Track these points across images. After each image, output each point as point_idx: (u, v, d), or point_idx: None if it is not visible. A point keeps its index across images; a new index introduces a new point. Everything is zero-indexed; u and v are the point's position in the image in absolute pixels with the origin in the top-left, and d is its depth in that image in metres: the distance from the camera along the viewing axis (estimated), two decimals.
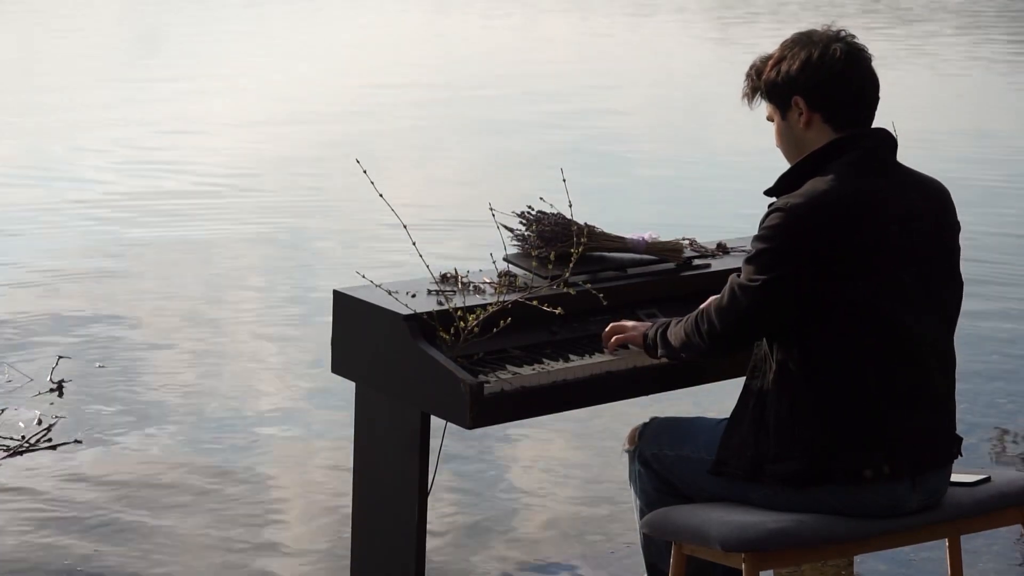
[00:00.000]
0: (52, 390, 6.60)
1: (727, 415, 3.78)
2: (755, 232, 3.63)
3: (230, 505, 5.41)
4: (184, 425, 6.24)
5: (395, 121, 14.93)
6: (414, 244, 4.10)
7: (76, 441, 5.98)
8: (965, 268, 3.77)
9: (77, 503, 5.39)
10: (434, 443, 4.01)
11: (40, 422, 6.17)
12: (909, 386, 3.62)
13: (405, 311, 3.86)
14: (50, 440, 5.97)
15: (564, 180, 4.13)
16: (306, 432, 6.20)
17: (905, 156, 3.73)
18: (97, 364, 6.99)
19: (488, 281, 4.14)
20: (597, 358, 3.96)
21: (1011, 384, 6.90)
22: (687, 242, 4.49)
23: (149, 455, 5.91)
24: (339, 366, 4.16)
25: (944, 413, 3.71)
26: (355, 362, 4.10)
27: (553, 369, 3.88)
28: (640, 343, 3.91)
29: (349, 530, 4.29)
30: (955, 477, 3.80)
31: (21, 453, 5.83)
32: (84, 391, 6.61)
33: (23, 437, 5.96)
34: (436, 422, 3.96)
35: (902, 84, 16.67)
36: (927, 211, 3.66)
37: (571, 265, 4.01)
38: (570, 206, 4.19)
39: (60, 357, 6.96)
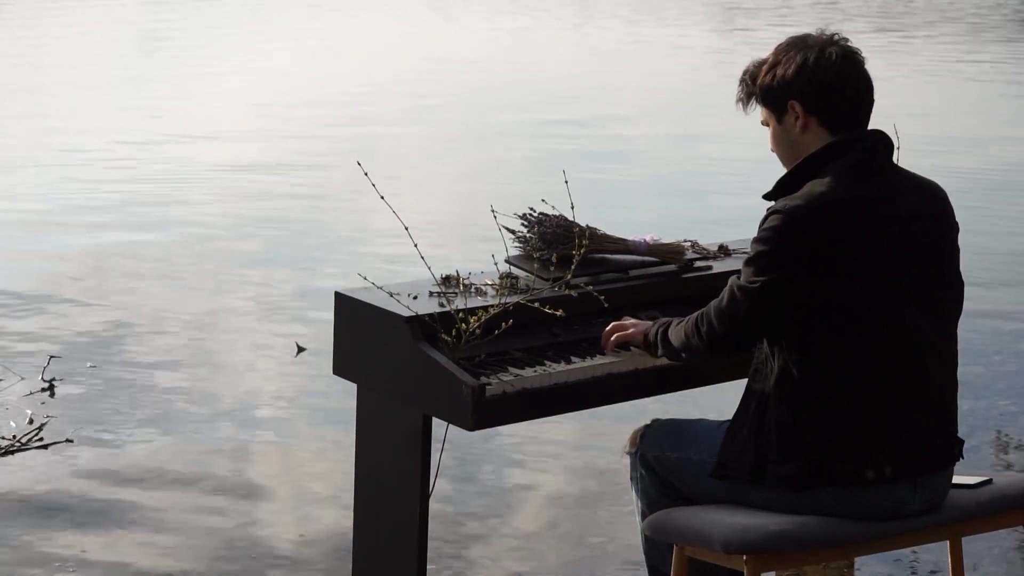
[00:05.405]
0: (44, 389, 6.60)
1: (729, 417, 3.78)
2: (755, 235, 3.64)
3: (229, 506, 5.40)
4: (180, 426, 6.23)
5: (397, 123, 14.92)
6: (415, 246, 4.10)
7: (67, 440, 5.98)
8: (965, 269, 3.77)
9: (69, 504, 5.39)
10: (435, 445, 4.01)
11: (31, 421, 6.17)
12: (910, 387, 3.61)
13: (407, 313, 3.86)
14: (41, 440, 5.96)
15: (566, 182, 4.13)
16: (307, 434, 6.19)
17: None
18: (89, 364, 6.99)
19: (490, 283, 4.14)
20: (599, 360, 3.95)
21: (1012, 386, 6.90)
22: (689, 244, 4.49)
23: (143, 456, 5.89)
24: (341, 368, 4.15)
25: (945, 414, 3.71)
26: (357, 364, 4.09)
27: (555, 371, 3.87)
28: (641, 342, 3.91)
29: (350, 532, 4.29)
30: (957, 479, 3.79)
31: (12, 452, 5.82)
32: (76, 391, 6.61)
33: (14, 437, 5.95)
34: (438, 424, 3.96)
35: None
36: (925, 212, 3.66)
37: (573, 267, 4.00)
38: (572, 208, 4.19)
39: (51, 357, 6.96)
